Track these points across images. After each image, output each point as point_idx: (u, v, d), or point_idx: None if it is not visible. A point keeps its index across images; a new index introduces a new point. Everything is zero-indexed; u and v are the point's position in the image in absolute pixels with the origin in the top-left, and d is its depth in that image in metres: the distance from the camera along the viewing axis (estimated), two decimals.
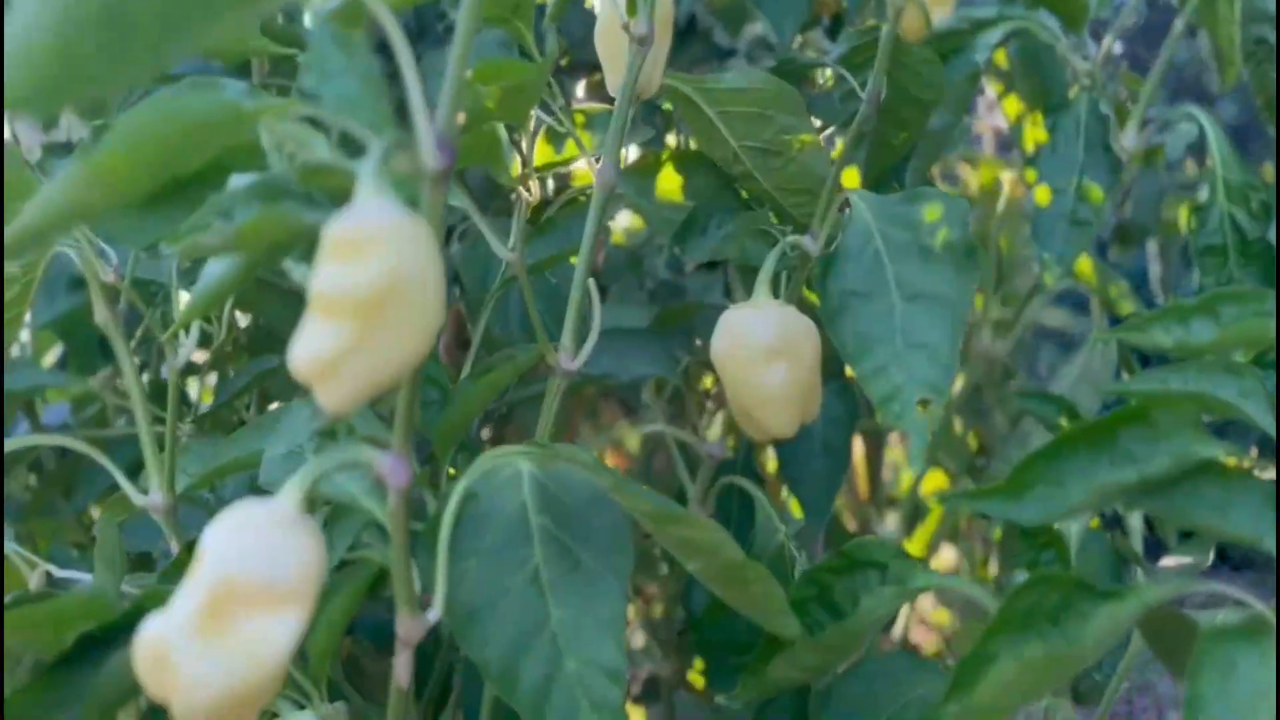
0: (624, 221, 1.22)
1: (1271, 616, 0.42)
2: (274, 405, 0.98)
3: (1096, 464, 0.48)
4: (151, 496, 0.68)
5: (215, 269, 0.53)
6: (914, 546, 1.32)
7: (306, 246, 0.66)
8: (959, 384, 1.19)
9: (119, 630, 0.51)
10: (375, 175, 0.39)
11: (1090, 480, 0.47)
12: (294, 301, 1.03)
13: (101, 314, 0.70)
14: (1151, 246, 1.37)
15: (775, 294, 0.70)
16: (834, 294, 0.59)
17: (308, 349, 0.38)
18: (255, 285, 1.01)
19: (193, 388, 1.02)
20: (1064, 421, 0.73)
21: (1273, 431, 0.48)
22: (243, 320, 1.02)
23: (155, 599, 0.51)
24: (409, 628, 0.51)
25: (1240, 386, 0.49)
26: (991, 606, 0.51)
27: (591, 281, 0.64)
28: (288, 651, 0.41)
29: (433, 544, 0.55)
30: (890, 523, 1.25)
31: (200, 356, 0.93)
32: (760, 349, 0.68)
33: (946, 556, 1.38)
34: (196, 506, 0.75)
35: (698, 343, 0.93)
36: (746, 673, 0.60)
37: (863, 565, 0.56)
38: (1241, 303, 0.47)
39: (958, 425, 1.27)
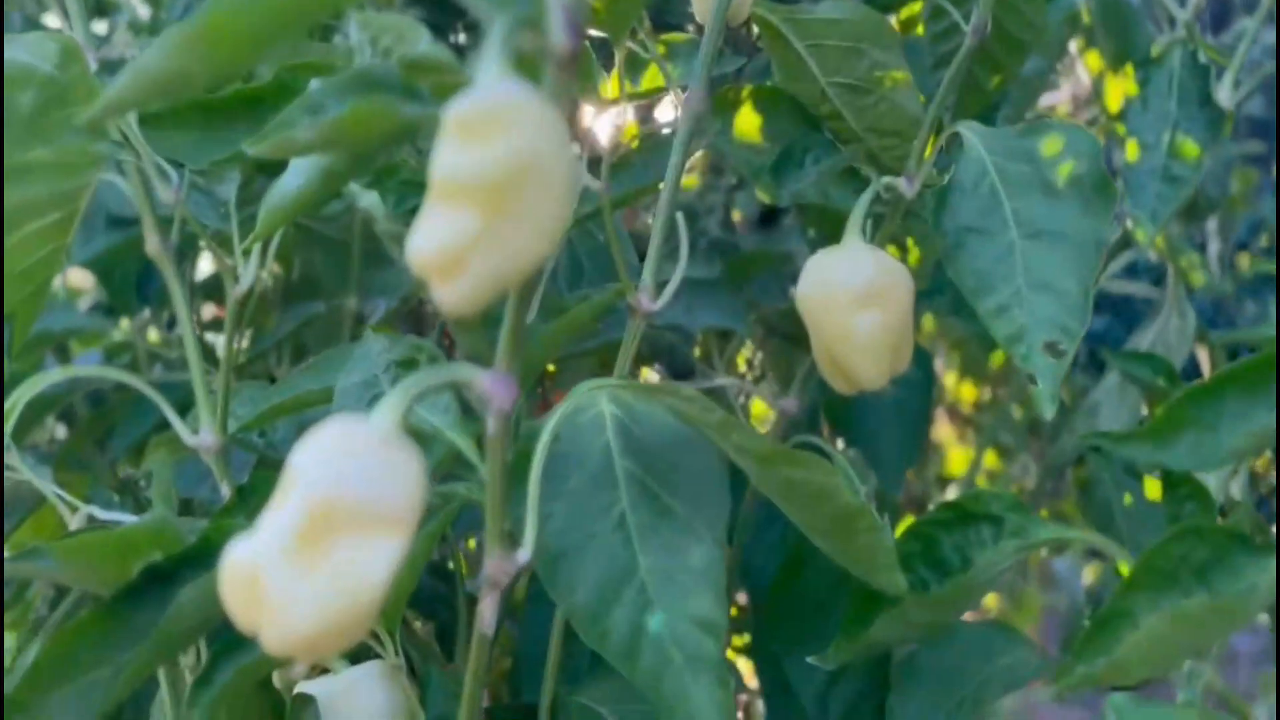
0: None
1: None
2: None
3: (1253, 407, 0.44)
4: (202, 436, 0.65)
5: (293, 180, 0.49)
6: None
7: (380, 174, 0.62)
8: None
9: (185, 564, 0.47)
10: (501, 51, 0.35)
11: (1247, 424, 0.43)
12: (336, 250, 0.99)
13: (153, 244, 0.66)
14: (1211, 223, 1.33)
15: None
16: (949, 230, 0.55)
17: (430, 240, 0.34)
18: (296, 232, 0.98)
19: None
20: (1161, 382, 0.69)
21: None
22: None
23: (223, 532, 0.48)
24: (498, 567, 0.47)
25: None
26: (1126, 561, 0.47)
27: (680, 217, 0.60)
28: (388, 580, 0.37)
29: (520, 486, 0.51)
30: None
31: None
32: (852, 295, 0.64)
33: None
34: (245, 450, 0.71)
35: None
36: (842, 633, 0.56)
37: (975, 518, 0.53)
38: None
39: (1016, 408, 1.23)
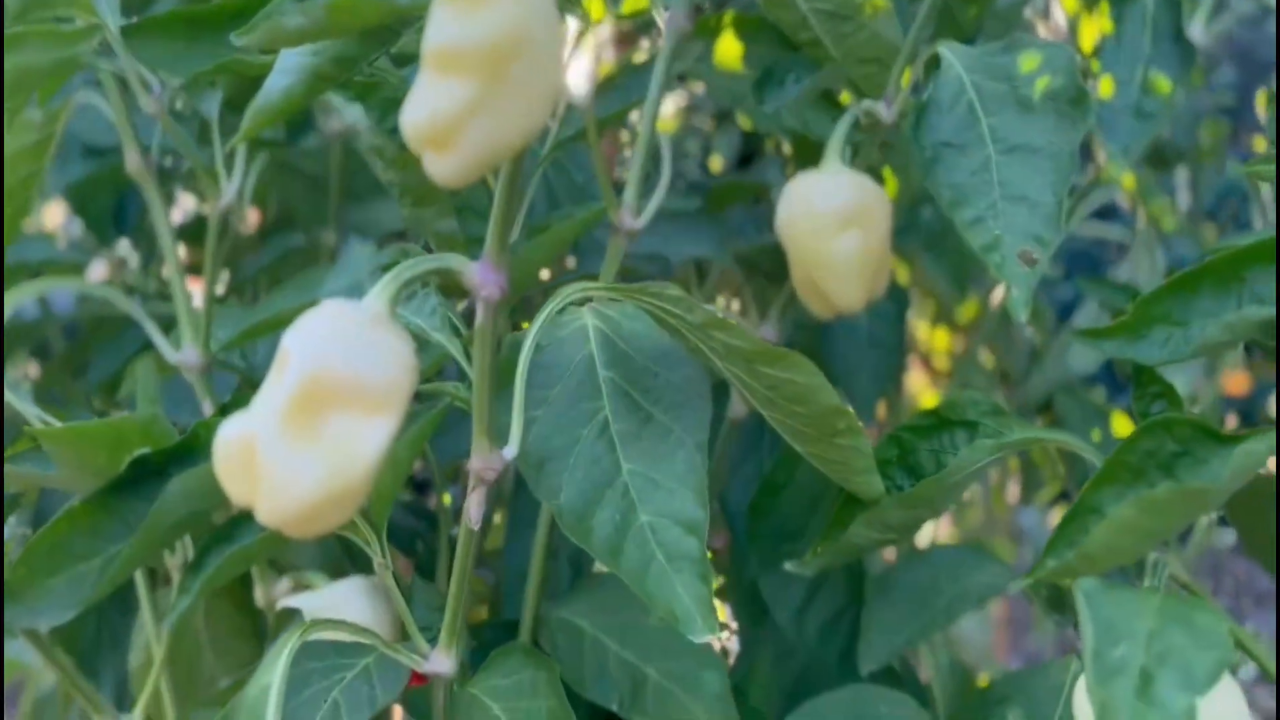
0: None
1: None
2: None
3: (1223, 303, 0.45)
4: (185, 353, 0.65)
5: (279, 81, 0.49)
6: None
7: (365, 88, 0.62)
8: (996, 296, 1.17)
9: (174, 459, 0.48)
10: None
11: (1217, 319, 0.44)
12: (314, 186, 0.99)
13: (133, 161, 0.66)
14: (1182, 175, 1.35)
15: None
16: (927, 145, 0.56)
17: (422, 109, 0.34)
18: (274, 169, 0.98)
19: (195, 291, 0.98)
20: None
21: None
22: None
23: (212, 429, 0.48)
24: (485, 462, 0.48)
25: None
26: (1096, 460, 0.48)
27: (662, 138, 0.61)
28: (379, 456, 0.38)
29: (505, 391, 0.52)
30: None
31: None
32: (831, 216, 0.65)
33: None
34: (227, 371, 0.71)
35: None
36: (821, 538, 0.57)
37: (951, 424, 0.54)
38: None
39: (985, 354, 1.25)
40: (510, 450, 0.49)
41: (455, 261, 0.42)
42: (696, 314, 0.48)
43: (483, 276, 0.42)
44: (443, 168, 0.35)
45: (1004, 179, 0.55)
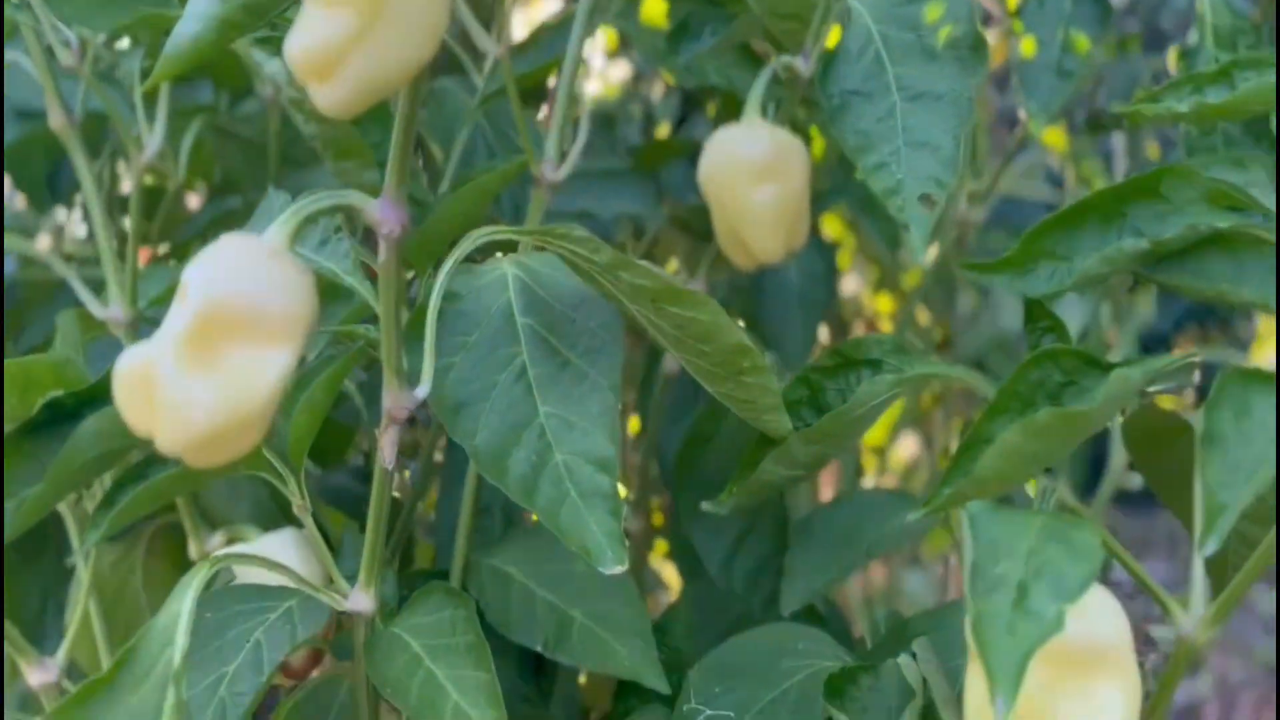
0: (594, 90, 1.19)
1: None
2: None
3: (1105, 236, 0.47)
4: (112, 309, 0.65)
5: (188, 27, 0.50)
6: (876, 434, 1.33)
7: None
8: (931, 255, 1.19)
9: (88, 401, 0.48)
10: None
11: (1100, 251, 0.46)
12: (253, 152, 0.99)
13: (56, 118, 0.66)
14: (1119, 142, 1.37)
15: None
16: (834, 94, 0.58)
17: (305, 39, 0.35)
18: (214, 135, 0.98)
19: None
20: None
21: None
22: None
23: None
24: (396, 401, 0.49)
25: (1248, 176, 0.49)
26: (991, 395, 0.50)
27: (580, 91, 0.62)
28: (278, 385, 0.39)
29: (419, 335, 0.53)
30: None
31: None
32: (751, 167, 0.66)
33: (908, 444, 1.39)
34: (155, 327, 0.72)
35: None
36: (734, 479, 0.59)
37: (857, 363, 0.55)
38: (1257, 68, 0.46)
39: (924, 315, 1.27)
40: (422, 390, 0.50)
41: (355, 198, 0.43)
42: (603, 254, 0.49)
43: (383, 213, 0.43)
44: (326, 98, 0.36)
45: (908, 125, 0.56)
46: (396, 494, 0.78)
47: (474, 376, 0.54)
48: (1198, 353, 0.45)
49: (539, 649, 0.62)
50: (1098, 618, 0.45)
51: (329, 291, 0.57)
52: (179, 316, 0.38)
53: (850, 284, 1.42)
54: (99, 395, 0.48)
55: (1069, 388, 0.47)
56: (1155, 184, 0.47)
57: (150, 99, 0.64)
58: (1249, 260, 0.45)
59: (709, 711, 0.58)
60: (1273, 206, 0.47)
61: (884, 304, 1.33)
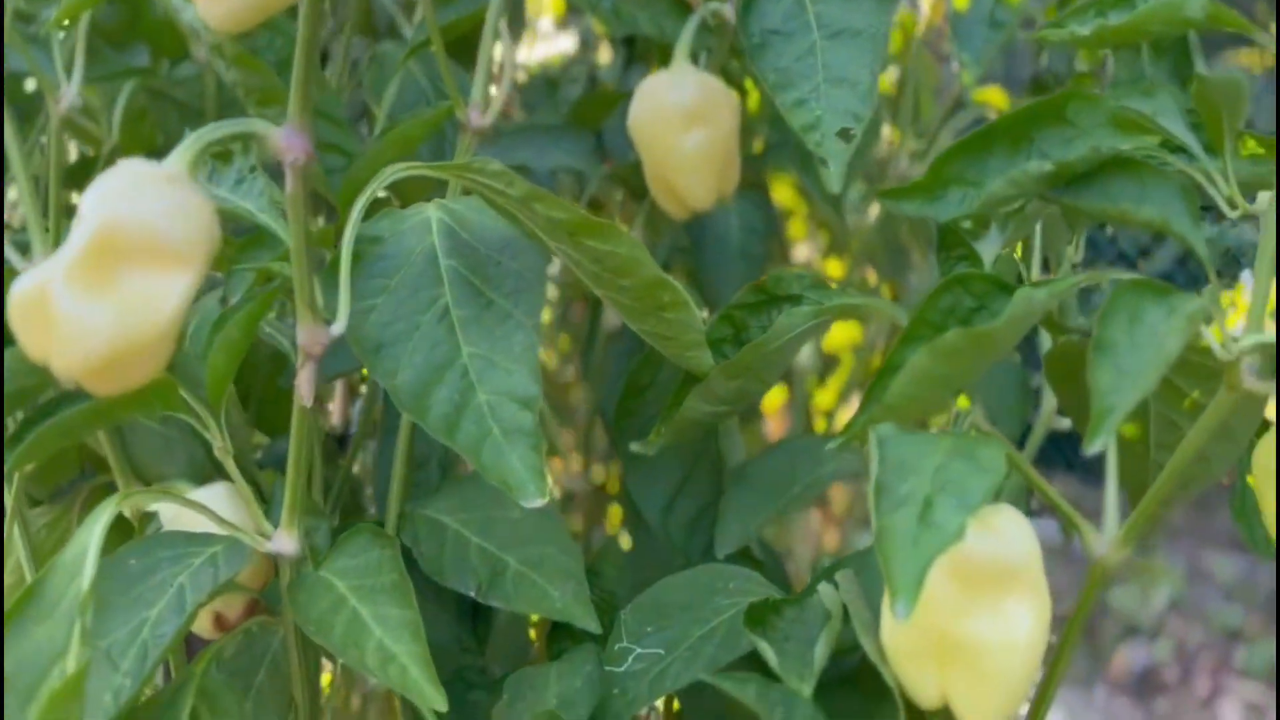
0: (541, 53, 1.18)
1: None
2: None
3: (1014, 161, 0.47)
4: (35, 262, 0.65)
5: None
6: (826, 396, 1.34)
7: None
8: (873, 214, 1.20)
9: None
10: None
11: (1009, 174, 0.46)
12: (189, 114, 0.98)
13: None
14: None
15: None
16: (755, 33, 0.58)
17: None
18: (150, 97, 0.97)
19: None
20: None
21: (1189, 142, 0.48)
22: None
23: None
24: (309, 336, 0.49)
25: (1155, 104, 0.49)
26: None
27: (503, 25, 0.62)
28: (177, 311, 0.39)
29: (336, 275, 0.53)
30: (803, 354, 1.26)
31: None
32: (678, 112, 0.66)
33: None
34: None
35: None
36: (660, 419, 0.59)
37: (778, 299, 0.56)
38: None
39: (873, 276, 1.28)
40: (337, 328, 0.50)
41: (258, 125, 0.43)
42: (516, 187, 0.49)
43: (287, 141, 0.43)
44: (211, 10, 0.35)
45: (827, 62, 0.56)
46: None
47: (396, 318, 0.54)
48: (1102, 275, 0.46)
49: (472, 594, 0.62)
50: (1008, 537, 0.46)
51: (257, 235, 0.57)
52: (75, 239, 0.38)
53: (803, 251, 1.43)
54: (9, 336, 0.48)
55: (980, 312, 0.48)
56: (1062, 108, 0.47)
57: (68, 53, 0.63)
58: (1152, 182, 0.46)
59: (639, 650, 0.58)
60: (1179, 133, 0.48)
61: (834, 269, 1.34)
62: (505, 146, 0.83)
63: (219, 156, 0.54)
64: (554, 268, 0.94)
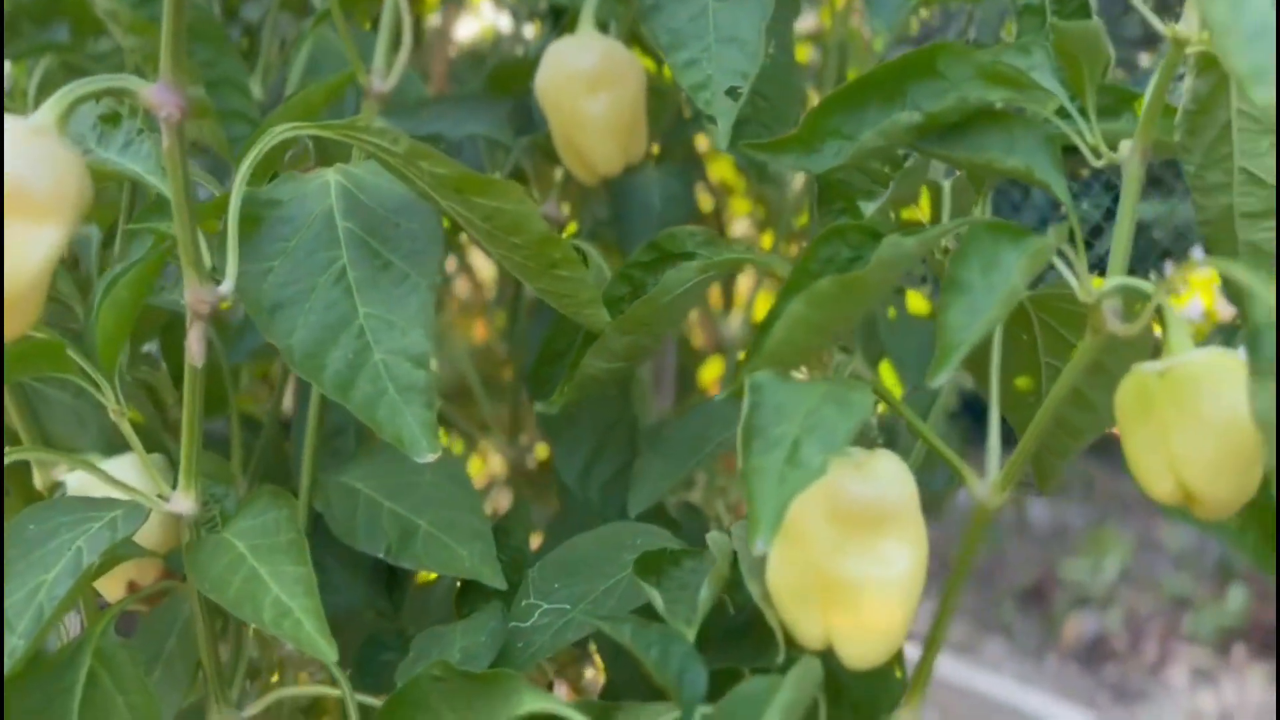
0: (469, 29, 1.19)
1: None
2: None
3: (888, 114, 0.49)
4: None
5: None
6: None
7: None
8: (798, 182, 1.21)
9: None
10: None
11: (881, 125, 0.47)
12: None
13: None
14: None
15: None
16: None
17: None
18: (68, 73, 0.96)
19: None
20: None
21: (1060, 94, 0.49)
22: None
23: None
24: (197, 295, 0.49)
25: (1030, 60, 0.50)
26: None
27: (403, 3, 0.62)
28: (45, 264, 0.39)
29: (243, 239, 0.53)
30: (735, 325, 1.27)
31: None
32: (583, 76, 0.67)
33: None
34: None
35: None
36: (563, 380, 0.60)
37: (673, 255, 0.57)
38: None
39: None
40: (226, 286, 0.50)
41: (130, 81, 0.43)
42: (401, 144, 0.50)
43: (159, 97, 0.43)
44: None
45: (719, 23, 0.57)
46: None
47: (292, 279, 0.55)
48: (966, 220, 0.47)
49: (381, 555, 0.63)
50: (885, 481, 0.47)
51: (157, 201, 0.57)
52: None
53: (741, 227, 1.44)
54: None
55: (857, 262, 0.49)
56: (932, 61, 0.48)
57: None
58: (1019, 133, 0.47)
59: (546, 606, 0.59)
60: (1049, 86, 0.49)
61: (767, 241, 1.35)
62: (423, 118, 0.83)
63: (108, 120, 0.54)
64: None
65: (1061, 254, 0.46)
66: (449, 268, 1.24)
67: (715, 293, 1.31)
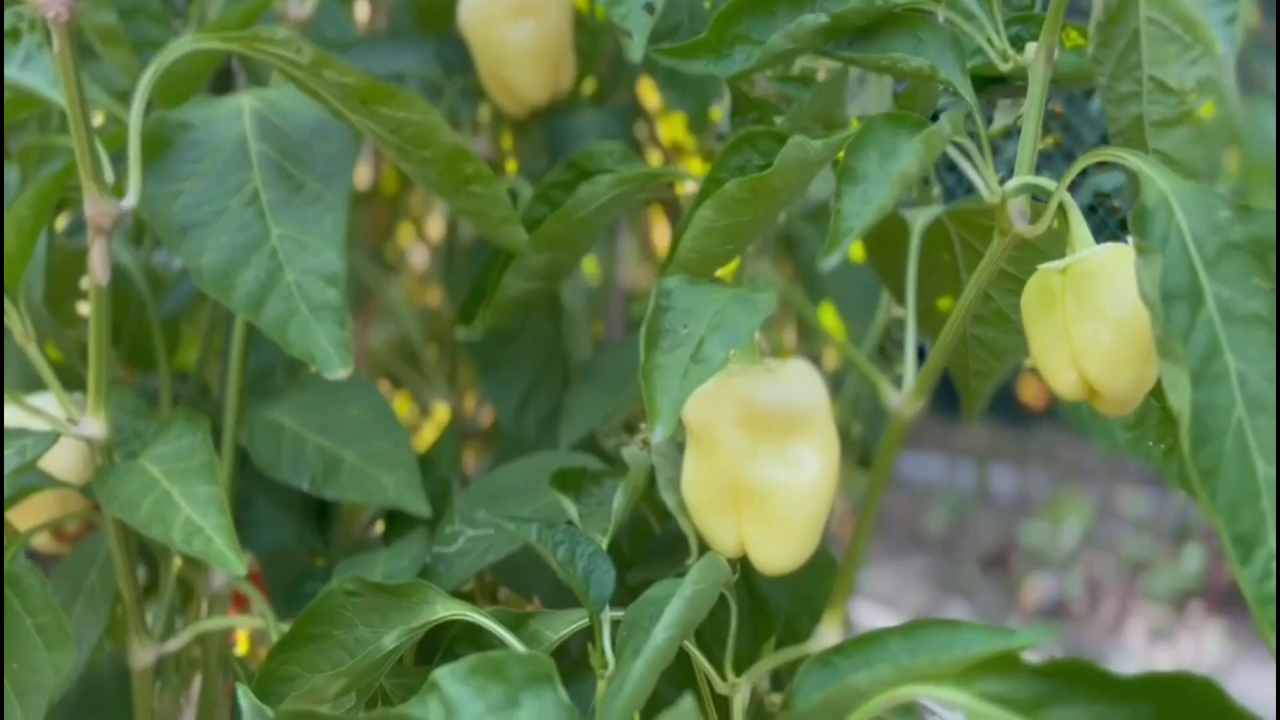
0: None
1: None
2: None
3: (799, 11, 0.48)
4: None
5: None
6: None
7: None
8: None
9: None
10: None
11: (792, 26, 0.47)
12: None
13: None
14: None
15: None
16: None
17: None
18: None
19: None
20: None
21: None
22: None
23: None
24: (97, 208, 0.48)
25: None
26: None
27: None
28: None
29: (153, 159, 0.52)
30: None
31: None
32: (505, 5, 0.66)
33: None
34: None
35: None
36: (484, 303, 0.60)
37: (590, 173, 0.56)
38: None
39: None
40: (128, 201, 0.49)
41: None
42: (305, 54, 0.49)
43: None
44: None
45: None
46: None
47: (203, 201, 0.54)
48: (872, 116, 0.47)
49: (305, 487, 0.63)
50: (796, 385, 0.47)
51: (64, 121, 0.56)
52: None
53: (692, 188, 1.44)
54: None
55: (768, 169, 0.49)
56: None
57: None
58: (926, 35, 0.47)
59: (471, 532, 0.59)
60: None
61: None
62: (353, 57, 0.82)
63: (8, 35, 0.53)
64: None
65: (967, 155, 0.46)
66: (406, 241, 1.23)
67: (663, 232, 1.31)
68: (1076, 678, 0.25)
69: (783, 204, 0.47)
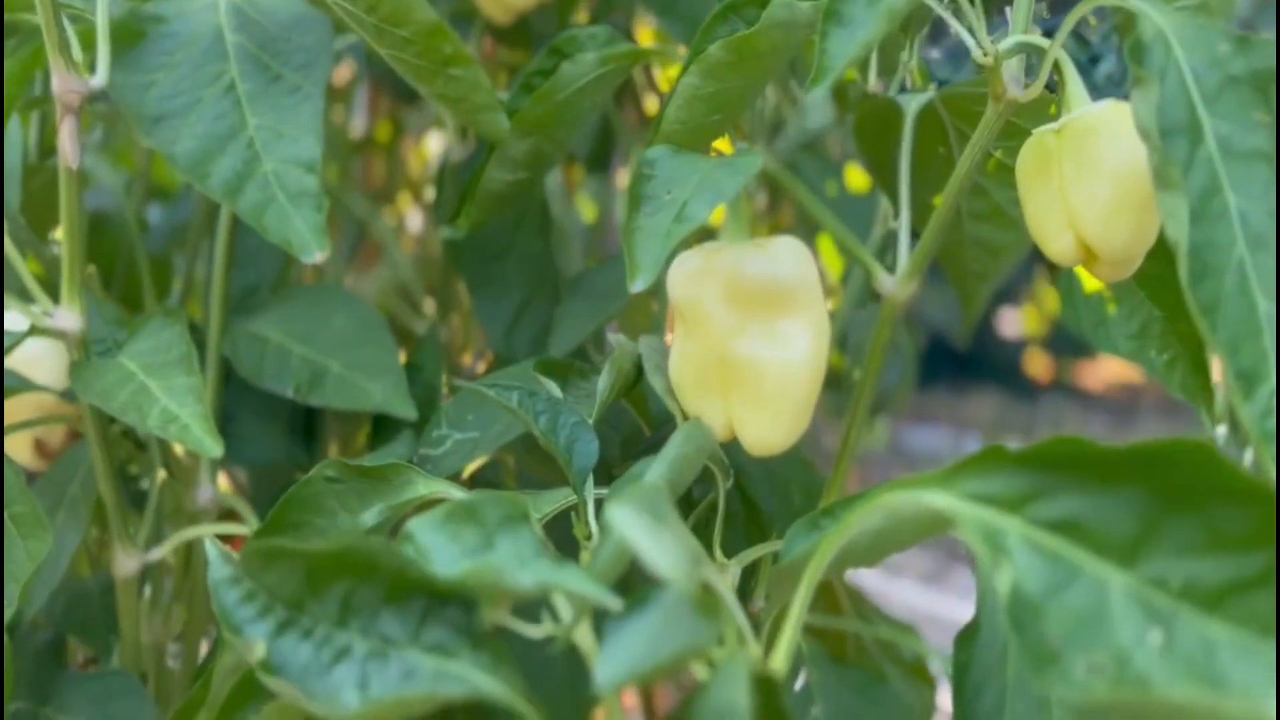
0: None
1: None
2: None
3: None
4: None
5: None
6: None
7: None
8: None
9: None
10: None
11: None
12: None
13: None
14: None
15: None
16: None
17: None
18: None
19: None
20: None
21: None
22: None
23: None
24: (64, 85, 0.47)
25: None
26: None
27: None
28: None
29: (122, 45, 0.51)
30: None
31: None
32: None
33: None
34: None
35: None
36: (463, 208, 0.58)
37: (571, 57, 0.55)
38: None
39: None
40: (98, 80, 0.48)
41: None
42: None
43: None
44: None
45: None
46: None
47: (178, 92, 0.53)
48: None
49: (289, 395, 0.62)
50: (783, 260, 0.46)
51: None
52: None
53: None
54: None
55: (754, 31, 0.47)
56: None
57: None
58: None
59: (457, 436, 0.58)
60: None
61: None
62: None
63: None
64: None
65: (959, 16, 0.44)
66: (404, 209, 1.22)
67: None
68: (1064, 463, 0.24)
69: (770, 70, 0.46)
